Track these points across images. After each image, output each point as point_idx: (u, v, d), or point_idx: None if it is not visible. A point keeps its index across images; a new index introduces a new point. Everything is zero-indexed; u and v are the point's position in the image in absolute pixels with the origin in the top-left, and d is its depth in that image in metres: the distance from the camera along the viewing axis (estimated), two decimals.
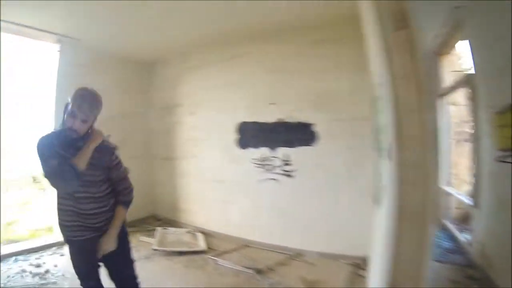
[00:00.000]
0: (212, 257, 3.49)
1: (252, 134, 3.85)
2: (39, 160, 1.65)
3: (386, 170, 1.45)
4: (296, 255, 3.56)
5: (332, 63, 3.33)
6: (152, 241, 3.86)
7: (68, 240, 1.79)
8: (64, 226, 1.76)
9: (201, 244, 3.82)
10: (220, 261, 3.41)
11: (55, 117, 3.58)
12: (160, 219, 4.87)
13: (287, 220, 3.71)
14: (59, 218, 1.77)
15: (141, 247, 3.72)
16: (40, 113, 4.09)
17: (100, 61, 4.16)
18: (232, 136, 3.98)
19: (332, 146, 3.39)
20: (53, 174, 1.62)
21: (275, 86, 3.67)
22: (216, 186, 4.19)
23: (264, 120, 3.75)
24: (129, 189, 1.90)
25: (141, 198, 4.41)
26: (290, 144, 3.60)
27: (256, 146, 3.83)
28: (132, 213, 4.25)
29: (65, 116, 1.64)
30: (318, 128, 3.44)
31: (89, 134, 1.73)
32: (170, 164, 4.73)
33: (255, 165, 3.82)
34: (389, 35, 1.36)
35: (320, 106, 3.41)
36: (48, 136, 1.71)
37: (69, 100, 1.63)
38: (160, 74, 4.90)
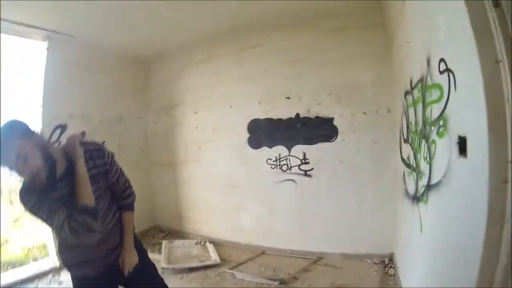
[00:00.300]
0: (229, 270, 3.19)
1: (266, 132, 3.59)
2: (42, 223, 1.32)
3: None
4: (318, 259, 3.33)
5: (353, 53, 3.15)
6: (158, 258, 3.43)
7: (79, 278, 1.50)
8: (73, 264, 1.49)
9: (213, 256, 3.50)
10: (237, 274, 3.13)
11: (43, 121, 3.18)
12: (164, 230, 4.47)
13: (306, 222, 3.50)
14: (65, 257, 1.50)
15: None
16: (27, 117, 3.71)
17: (93, 58, 3.73)
18: (243, 135, 3.71)
19: (355, 141, 3.20)
20: (69, 233, 1.27)
21: (291, 79, 3.43)
22: (227, 191, 3.89)
23: (280, 116, 3.50)
24: (130, 189, 1.65)
25: (141, 208, 4.08)
26: (308, 141, 3.39)
27: (270, 145, 3.57)
28: None
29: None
30: (338, 123, 3.24)
31: (59, 152, 1.37)
32: (172, 170, 4.35)
33: (270, 166, 3.57)
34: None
35: (341, 99, 3.23)
36: (25, 190, 1.28)
37: None
38: (159, 71, 4.45)
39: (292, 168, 3.48)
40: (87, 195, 1.32)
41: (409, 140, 2.42)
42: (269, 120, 3.55)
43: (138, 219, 4.07)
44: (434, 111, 1.68)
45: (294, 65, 3.39)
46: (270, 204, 3.67)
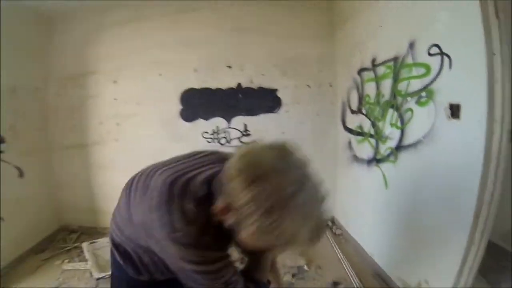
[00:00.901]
0: None
1: (202, 103, 3.28)
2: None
3: None
4: None
5: (300, 28, 3.19)
6: (83, 266, 2.76)
7: None
8: None
9: None
10: None
11: None
12: (75, 230, 3.55)
13: None
14: None
15: (73, 280, 2.61)
16: None
17: None
18: (174, 107, 3.30)
19: (298, 113, 3.28)
20: None
21: (234, 47, 3.20)
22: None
23: (219, 86, 3.25)
24: None
25: (42, 206, 3.34)
26: (250, 112, 3.28)
27: (207, 117, 3.30)
28: (32, 231, 3.09)
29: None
30: (282, 94, 3.25)
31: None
32: (81, 154, 3.50)
33: (207, 140, 3.33)
34: None
35: (285, 72, 3.23)
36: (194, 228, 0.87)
37: None
38: (67, 32, 3.36)
39: (232, 141, 3.32)
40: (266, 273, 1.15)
41: (363, 111, 2.72)
42: (207, 90, 3.25)
43: (38, 221, 3.18)
44: (414, 85, 2.02)
45: (238, 33, 3.17)
46: None
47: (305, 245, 0.80)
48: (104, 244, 3.07)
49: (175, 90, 3.28)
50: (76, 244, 3.19)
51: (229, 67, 3.21)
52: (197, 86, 3.25)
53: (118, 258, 1.17)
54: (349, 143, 3.02)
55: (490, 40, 1.47)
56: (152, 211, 0.92)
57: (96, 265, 2.68)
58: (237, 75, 3.22)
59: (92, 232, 3.44)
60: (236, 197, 0.75)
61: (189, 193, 0.91)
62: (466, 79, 1.60)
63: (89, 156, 3.50)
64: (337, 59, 3.22)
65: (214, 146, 3.28)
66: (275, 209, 0.72)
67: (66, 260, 2.90)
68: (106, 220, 3.31)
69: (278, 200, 0.72)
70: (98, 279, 2.51)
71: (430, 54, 1.81)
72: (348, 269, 2.59)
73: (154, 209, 0.91)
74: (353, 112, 2.94)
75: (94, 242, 3.02)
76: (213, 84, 3.24)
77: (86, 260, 2.79)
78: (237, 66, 3.21)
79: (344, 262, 2.72)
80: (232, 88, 3.23)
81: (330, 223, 3.37)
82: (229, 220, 0.80)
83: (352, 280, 2.47)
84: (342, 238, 3.16)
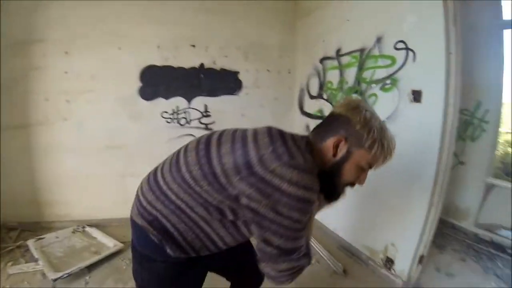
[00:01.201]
0: None
1: (163, 82, 3.13)
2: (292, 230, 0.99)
3: None
4: None
5: (265, 14, 3.31)
6: (32, 267, 2.36)
7: None
8: None
9: (109, 241, 2.79)
10: None
11: None
12: (14, 227, 2.98)
13: None
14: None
15: (22, 284, 2.21)
16: None
17: None
18: (133, 84, 3.08)
19: (258, 96, 3.41)
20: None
21: (200, 27, 3.13)
22: (108, 155, 3.10)
23: (181, 65, 3.15)
24: None
25: None
26: (211, 92, 3.28)
27: (167, 96, 3.17)
28: None
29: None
30: (243, 77, 3.33)
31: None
32: (21, 137, 2.93)
33: (166, 120, 3.20)
34: None
35: (248, 55, 3.32)
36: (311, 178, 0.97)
37: None
38: None
39: (192, 122, 3.28)
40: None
41: (324, 96, 3.05)
42: (169, 68, 3.12)
43: None
44: (379, 73, 2.38)
45: (205, 14, 3.11)
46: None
47: (387, 160, 1.11)
48: (53, 240, 2.79)
49: (135, 66, 3.05)
50: (18, 243, 2.71)
51: (193, 46, 3.14)
52: (159, 63, 3.09)
53: (152, 237, 1.09)
54: (307, 126, 3.32)
55: (448, 42, 1.87)
56: (263, 148, 0.98)
57: (49, 264, 2.36)
58: (201, 55, 3.17)
59: (35, 228, 2.99)
60: (348, 128, 1.05)
61: (295, 139, 1.07)
62: (427, 71, 1.99)
63: (32, 138, 2.98)
64: (298, 47, 3.47)
65: (173, 127, 3.21)
66: (378, 134, 1.04)
67: (10, 263, 2.45)
68: (53, 212, 2.98)
69: (380, 129, 1.06)
70: (55, 280, 2.16)
71: (396, 48, 2.18)
72: (314, 244, 2.83)
73: (267, 145, 0.99)
74: (312, 97, 3.24)
75: (41, 239, 2.68)
76: (175, 63, 3.12)
77: (35, 260, 2.41)
78: (201, 46, 3.17)
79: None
80: (194, 68, 3.18)
81: None
82: (341, 151, 1.06)
83: (321, 253, 2.73)
84: None
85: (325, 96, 3.05)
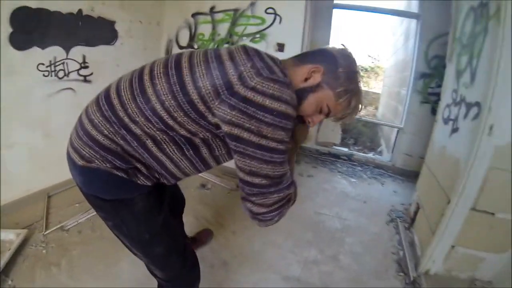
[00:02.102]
0: (47, 232, 2.52)
1: (38, 28, 2.55)
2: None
3: None
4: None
5: None
6: None
7: None
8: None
9: (5, 235, 2.31)
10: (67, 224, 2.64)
11: None
12: None
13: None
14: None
15: None
16: None
17: None
18: (2, 30, 2.34)
19: (130, 46, 3.51)
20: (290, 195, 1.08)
21: None
22: None
23: (58, 9, 2.66)
24: None
25: None
26: (89, 42, 3.03)
27: (43, 45, 2.64)
28: None
29: None
30: (119, 27, 3.30)
31: None
32: None
33: (43, 73, 2.70)
34: None
35: (124, 5, 3.27)
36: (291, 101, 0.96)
37: None
38: None
39: (70, 74, 2.94)
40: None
41: (195, 46, 3.73)
42: (45, 11, 2.56)
43: None
44: (250, 29, 3.45)
45: None
46: (45, 126, 2.87)
47: (345, 117, 1.15)
48: None
49: (3, 6, 2.32)
50: None
51: None
52: (33, 5, 2.51)
53: (120, 174, 1.08)
54: None
55: (306, 13, 3.25)
56: (241, 64, 0.96)
57: None
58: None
59: None
60: (330, 65, 1.07)
61: (271, 56, 1.10)
62: (289, 30, 3.33)
63: None
64: (168, 1, 3.78)
65: (51, 81, 2.81)
66: (352, 89, 1.08)
67: None
68: None
69: (357, 87, 1.10)
70: None
71: (266, 12, 3.36)
72: (206, 176, 3.66)
73: (245, 61, 0.97)
74: (181, 47, 3.83)
75: None
76: (51, 6, 2.64)
77: None
78: None
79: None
80: (72, 14, 2.82)
81: None
82: (314, 80, 1.06)
83: (213, 180, 3.62)
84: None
85: (195, 46, 3.77)
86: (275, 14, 3.35)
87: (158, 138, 1.02)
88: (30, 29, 2.57)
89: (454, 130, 2.40)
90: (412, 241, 2.72)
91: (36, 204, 2.84)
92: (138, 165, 1.08)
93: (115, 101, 1.04)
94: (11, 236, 2.32)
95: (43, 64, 2.73)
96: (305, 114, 1.12)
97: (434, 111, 3.78)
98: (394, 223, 3.13)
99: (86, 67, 3.11)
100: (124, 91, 1.04)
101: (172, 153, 1.07)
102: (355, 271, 2.30)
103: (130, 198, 1.13)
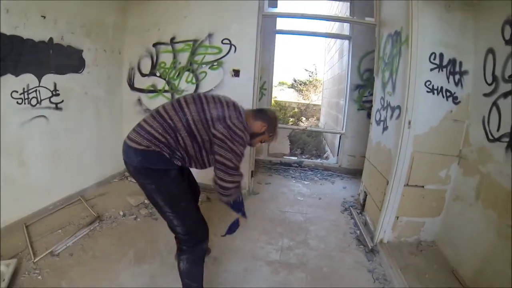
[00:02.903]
0: (35, 261, 2.45)
1: (11, 55, 2.61)
2: (233, 153, 1.84)
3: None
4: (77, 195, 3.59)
5: None
6: None
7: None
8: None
9: None
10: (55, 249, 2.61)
11: None
12: None
13: (61, 164, 3.37)
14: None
15: None
16: None
17: None
18: None
19: (96, 74, 3.68)
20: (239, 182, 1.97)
21: None
22: None
23: (31, 37, 2.75)
24: None
25: None
26: (60, 70, 3.13)
27: (17, 72, 2.67)
28: None
29: None
30: (86, 56, 3.46)
31: None
32: None
33: (16, 100, 2.73)
34: None
35: (90, 34, 3.48)
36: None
37: None
38: None
39: (43, 102, 2.98)
40: None
41: (157, 74, 4.06)
42: (18, 38, 2.63)
43: None
44: (208, 57, 3.82)
45: None
46: (19, 154, 2.82)
47: (275, 140, 2.24)
48: None
49: None
50: None
51: (44, 17, 2.87)
52: (7, 32, 2.57)
53: (166, 155, 1.80)
54: (139, 100, 4.15)
55: (256, 41, 3.67)
56: (231, 112, 1.88)
57: None
58: (50, 28, 2.97)
59: None
60: (269, 123, 2.08)
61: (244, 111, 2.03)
62: (243, 58, 3.73)
63: None
64: (128, 30, 4.03)
65: (25, 108, 2.84)
66: (276, 133, 2.18)
67: None
68: None
69: (276, 131, 2.18)
70: None
71: (223, 43, 3.77)
72: None
73: (233, 111, 1.90)
74: (143, 75, 4.09)
75: None
76: (25, 33, 2.72)
77: None
78: (52, 19, 2.97)
79: None
80: (43, 42, 2.91)
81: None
82: (261, 130, 2.06)
83: None
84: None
85: (158, 74, 4.04)
86: (231, 44, 3.82)
87: (188, 138, 1.82)
88: (4, 55, 2.61)
89: (385, 128, 3.15)
90: (365, 222, 3.31)
91: (14, 234, 2.73)
92: (177, 152, 1.84)
93: (165, 115, 1.84)
94: (1, 268, 2.21)
95: (16, 91, 2.75)
96: (254, 142, 2.11)
97: (369, 116, 4.45)
98: (348, 211, 3.73)
99: (58, 94, 3.17)
100: (169, 110, 1.86)
101: (194, 148, 1.87)
102: (323, 249, 2.81)
103: (169, 169, 1.85)
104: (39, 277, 2.28)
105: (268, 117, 2.08)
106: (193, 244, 1.93)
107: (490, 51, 2.25)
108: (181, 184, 1.95)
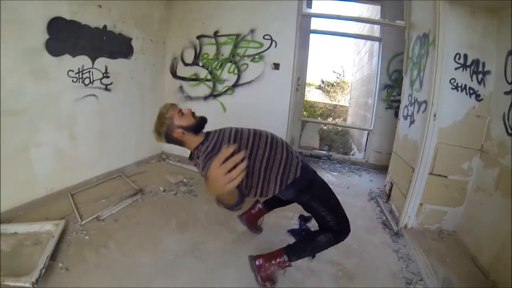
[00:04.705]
0: (81, 224, 2.74)
1: (70, 37, 2.98)
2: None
3: None
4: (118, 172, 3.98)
5: None
6: None
7: None
8: None
9: (41, 226, 2.55)
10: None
11: None
12: None
13: (106, 141, 3.78)
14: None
15: None
16: None
17: None
18: (39, 36, 2.74)
19: (143, 61, 4.04)
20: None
21: None
22: (5, 124, 2.56)
23: (88, 23, 3.14)
24: None
25: None
26: (111, 55, 3.46)
27: (74, 53, 3.03)
28: None
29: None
30: (134, 43, 3.81)
31: None
32: None
33: (72, 79, 3.10)
34: None
35: (137, 25, 3.83)
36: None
37: None
38: None
39: (94, 82, 3.33)
40: None
41: (200, 64, 4.39)
42: (76, 23, 3.03)
43: None
44: (250, 51, 4.15)
45: None
46: (71, 128, 3.14)
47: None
48: None
49: (41, 15, 2.72)
50: None
51: (100, 6, 3.23)
52: (67, 16, 2.93)
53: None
54: (180, 87, 4.46)
55: (296, 39, 3.98)
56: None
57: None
58: (105, 16, 3.29)
59: None
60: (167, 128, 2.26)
61: None
62: (283, 53, 4.03)
63: None
64: (172, 24, 4.48)
65: (78, 87, 3.23)
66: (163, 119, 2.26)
67: None
68: None
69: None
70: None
71: (264, 38, 3.94)
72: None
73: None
74: (186, 65, 4.44)
75: None
76: (82, 19, 3.09)
77: None
78: (106, 8, 3.31)
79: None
80: (98, 28, 3.26)
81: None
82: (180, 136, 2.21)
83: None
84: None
85: (200, 64, 4.34)
86: (272, 39, 4.07)
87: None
88: (63, 37, 2.93)
89: (412, 122, 3.33)
90: (390, 209, 3.36)
91: (60, 201, 3.04)
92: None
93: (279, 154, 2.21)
94: (48, 227, 2.46)
95: (72, 70, 3.09)
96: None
97: (396, 114, 4.61)
98: (374, 200, 3.81)
99: (108, 77, 3.50)
100: (278, 155, 2.21)
101: None
102: (352, 230, 3.19)
103: (315, 179, 2.25)
104: (86, 237, 2.53)
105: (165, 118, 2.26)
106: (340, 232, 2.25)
107: (511, 53, 2.45)
108: (326, 183, 2.44)
